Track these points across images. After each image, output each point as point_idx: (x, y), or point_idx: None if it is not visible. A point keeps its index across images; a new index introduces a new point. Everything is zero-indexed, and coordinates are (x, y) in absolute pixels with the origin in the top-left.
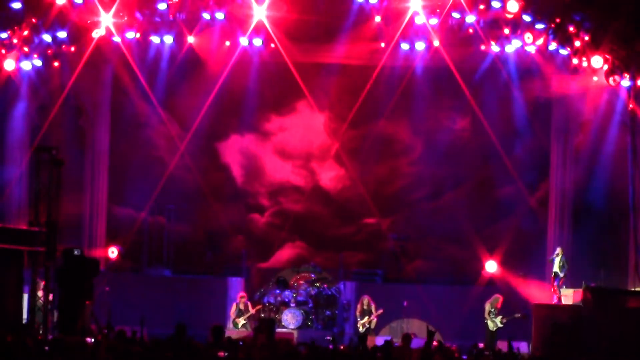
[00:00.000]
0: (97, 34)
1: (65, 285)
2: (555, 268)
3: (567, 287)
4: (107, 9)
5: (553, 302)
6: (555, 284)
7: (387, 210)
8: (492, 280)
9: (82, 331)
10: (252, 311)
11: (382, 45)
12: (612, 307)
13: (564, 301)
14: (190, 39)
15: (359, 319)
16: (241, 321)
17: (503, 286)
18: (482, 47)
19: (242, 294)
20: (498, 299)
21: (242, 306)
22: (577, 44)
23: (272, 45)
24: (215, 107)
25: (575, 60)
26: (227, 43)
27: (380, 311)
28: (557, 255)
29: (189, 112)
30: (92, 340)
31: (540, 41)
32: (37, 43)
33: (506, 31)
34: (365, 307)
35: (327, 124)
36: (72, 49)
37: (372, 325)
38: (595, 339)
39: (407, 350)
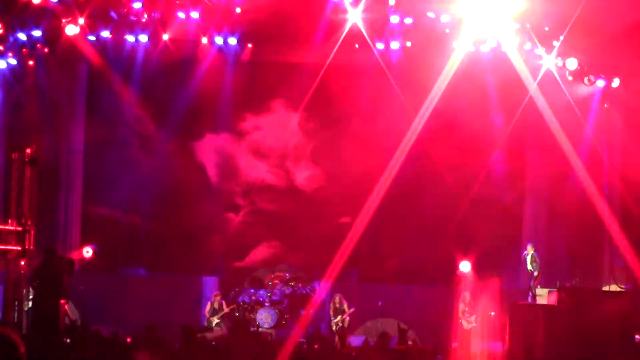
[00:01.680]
0: (72, 32)
1: (40, 284)
2: (528, 266)
3: (541, 287)
4: (82, 8)
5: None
6: (530, 282)
7: (363, 210)
8: (466, 279)
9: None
10: (226, 310)
11: (357, 45)
12: (588, 307)
13: (539, 301)
14: (165, 38)
15: (332, 318)
16: (215, 320)
17: (477, 285)
18: (457, 47)
19: (216, 292)
20: (469, 296)
21: (216, 305)
22: (553, 44)
23: (249, 45)
24: (190, 106)
25: (550, 61)
26: (204, 41)
27: (352, 310)
28: (527, 253)
29: (164, 111)
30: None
31: (515, 41)
32: (11, 42)
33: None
34: (337, 305)
35: (302, 124)
36: (46, 50)
37: (346, 325)
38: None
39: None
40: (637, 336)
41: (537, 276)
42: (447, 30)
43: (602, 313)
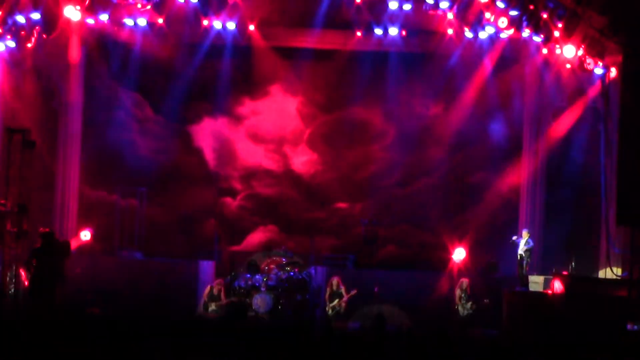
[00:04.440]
0: (70, 16)
1: (37, 266)
2: (520, 250)
3: (537, 274)
4: None
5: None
6: (522, 269)
7: (359, 196)
8: (462, 266)
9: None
10: (223, 300)
11: (358, 32)
12: (587, 295)
13: (533, 288)
14: (164, 22)
15: (328, 303)
16: (212, 306)
17: (473, 272)
18: (456, 33)
19: (219, 281)
20: (466, 283)
21: (215, 291)
22: (551, 31)
23: (252, 27)
24: (188, 90)
25: (547, 49)
26: (205, 23)
27: (354, 292)
28: (523, 237)
29: (161, 95)
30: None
31: (513, 28)
32: (10, 24)
33: (479, 18)
34: (334, 288)
35: (300, 109)
36: (44, 35)
37: (342, 310)
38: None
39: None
40: (628, 325)
41: (528, 262)
42: (448, 16)
43: (598, 301)
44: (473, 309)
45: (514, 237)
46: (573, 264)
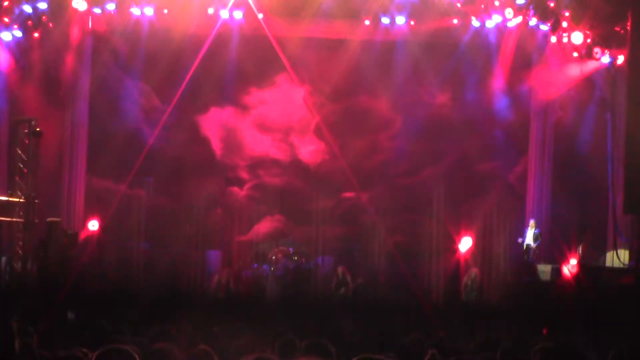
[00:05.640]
0: (77, 4)
1: (45, 256)
2: (528, 240)
3: (545, 263)
4: None
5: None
6: (528, 257)
7: (367, 185)
8: (469, 255)
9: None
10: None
11: (366, 21)
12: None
13: (542, 277)
14: (171, 11)
15: (334, 292)
16: (219, 294)
17: (479, 261)
18: (463, 22)
19: (228, 270)
20: (475, 273)
21: (224, 281)
22: (558, 19)
23: (260, 15)
24: (195, 79)
25: (555, 37)
26: (210, 11)
27: (360, 280)
28: (531, 227)
29: (169, 85)
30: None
31: (520, 17)
32: (17, 14)
33: (486, 7)
34: (340, 277)
35: (307, 98)
36: (50, 24)
37: (350, 298)
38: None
39: None
40: None
41: (536, 252)
42: (458, 5)
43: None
44: (478, 299)
45: (520, 240)
46: (580, 251)
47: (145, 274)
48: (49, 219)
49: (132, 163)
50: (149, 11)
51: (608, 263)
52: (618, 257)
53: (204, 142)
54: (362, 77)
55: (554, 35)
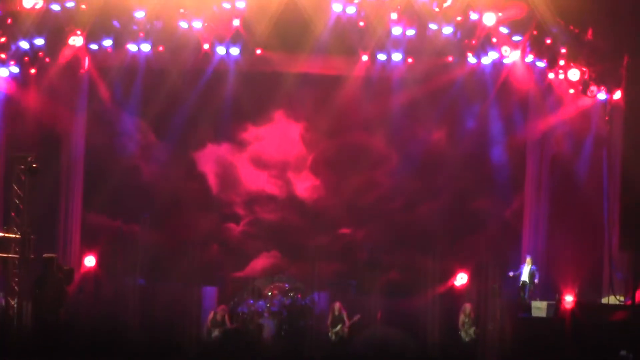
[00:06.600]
0: (74, 41)
1: (40, 293)
2: (524, 277)
3: (540, 300)
4: (84, 16)
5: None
6: (524, 294)
7: (363, 221)
8: (464, 291)
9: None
10: (228, 325)
11: (364, 57)
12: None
13: (536, 314)
14: (167, 47)
15: (330, 328)
16: (215, 332)
17: (475, 297)
18: (459, 59)
19: (223, 307)
20: (469, 308)
21: (219, 317)
22: (555, 56)
23: (258, 51)
24: (191, 115)
25: (551, 74)
26: (206, 46)
27: (357, 317)
28: (527, 264)
29: (165, 121)
30: None
31: (517, 54)
32: (14, 50)
33: (483, 43)
34: (336, 313)
35: (303, 134)
36: (47, 60)
37: (346, 335)
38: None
39: None
40: (622, 352)
41: (532, 289)
42: (453, 40)
43: (600, 326)
44: (477, 335)
45: (511, 273)
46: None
47: (141, 313)
48: (45, 255)
49: (128, 198)
50: (145, 47)
51: (604, 300)
52: (614, 294)
53: (200, 178)
54: (359, 113)
55: (550, 71)
